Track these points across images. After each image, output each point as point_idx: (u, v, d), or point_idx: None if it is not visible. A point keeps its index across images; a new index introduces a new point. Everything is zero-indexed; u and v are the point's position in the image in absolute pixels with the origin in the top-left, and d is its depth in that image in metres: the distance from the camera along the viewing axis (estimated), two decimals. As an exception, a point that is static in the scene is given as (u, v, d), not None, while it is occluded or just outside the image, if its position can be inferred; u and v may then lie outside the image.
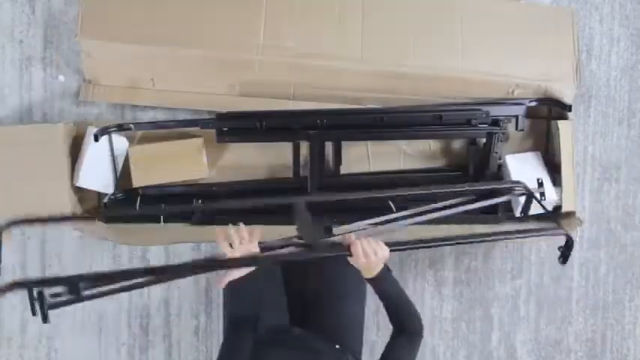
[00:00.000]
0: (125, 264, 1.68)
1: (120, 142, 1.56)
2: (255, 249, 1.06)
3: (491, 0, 1.63)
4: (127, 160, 1.57)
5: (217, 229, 1.05)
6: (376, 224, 1.33)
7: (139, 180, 1.53)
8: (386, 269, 1.16)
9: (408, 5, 1.58)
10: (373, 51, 1.55)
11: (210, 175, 1.59)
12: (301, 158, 1.57)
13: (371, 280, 1.16)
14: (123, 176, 1.57)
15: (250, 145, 1.59)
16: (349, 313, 1.38)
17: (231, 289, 1.07)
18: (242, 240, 1.05)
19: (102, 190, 1.54)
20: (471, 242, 1.26)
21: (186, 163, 1.55)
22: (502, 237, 1.28)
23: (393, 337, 1.18)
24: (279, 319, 1.36)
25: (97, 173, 1.52)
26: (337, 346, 1.23)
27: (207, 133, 1.54)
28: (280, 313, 1.38)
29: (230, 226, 1.06)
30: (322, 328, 1.33)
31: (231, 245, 1.04)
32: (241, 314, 1.10)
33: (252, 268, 1.05)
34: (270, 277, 1.39)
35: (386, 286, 1.17)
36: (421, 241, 1.13)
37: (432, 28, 1.58)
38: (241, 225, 1.07)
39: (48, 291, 0.93)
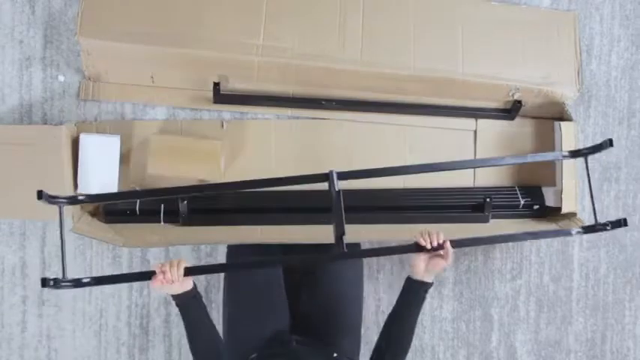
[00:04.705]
0: (125, 265, 1.68)
1: (110, 143, 1.56)
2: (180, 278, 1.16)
3: (492, 4, 1.63)
4: (126, 159, 1.58)
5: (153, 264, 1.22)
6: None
7: (154, 167, 1.54)
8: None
9: (409, 8, 1.58)
10: (373, 53, 1.54)
11: (223, 181, 1.58)
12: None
13: (422, 284, 1.20)
14: (122, 176, 1.57)
15: (272, 160, 1.62)
16: (347, 316, 1.38)
17: (179, 304, 1.22)
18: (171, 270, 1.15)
19: (102, 192, 1.54)
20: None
21: (203, 162, 1.55)
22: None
23: None
24: (280, 322, 1.36)
25: (94, 177, 1.52)
26: (335, 355, 1.24)
27: (228, 137, 1.58)
28: (281, 315, 1.38)
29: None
30: (320, 331, 1.33)
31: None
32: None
33: (189, 288, 1.20)
34: (273, 280, 1.40)
35: (424, 296, 1.22)
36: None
37: (433, 32, 1.58)
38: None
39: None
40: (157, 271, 1.15)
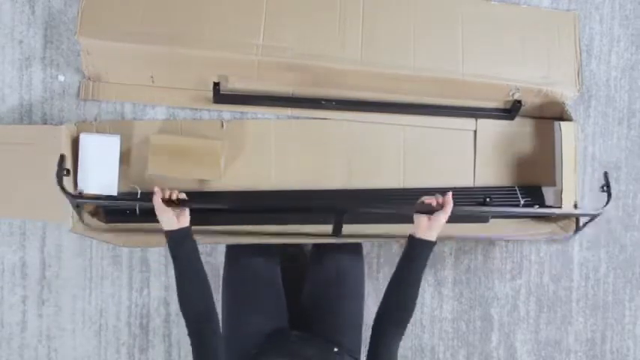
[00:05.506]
0: (125, 265, 1.68)
1: (110, 143, 1.56)
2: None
3: (492, 3, 1.63)
4: (126, 159, 1.58)
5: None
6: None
7: (154, 167, 1.54)
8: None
9: (409, 8, 1.58)
10: (373, 53, 1.54)
11: (223, 181, 1.59)
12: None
13: (427, 242, 1.18)
14: (122, 176, 1.57)
15: (272, 160, 1.62)
16: (348, 314, 1.38)
17: (171, 245, 1.21)
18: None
19: (102, 192, 1.54)
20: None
21: (203, 162, 1.55)
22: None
23: (384, 330, 1.16)
24: (279, 320, 1.36)
25: (94, 176, 1.52)
26: (335, 349, 1.23)
27: (228, 137, 1.58)
28: (280, 313, 1.38)
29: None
30: (321, 328, 1.33)
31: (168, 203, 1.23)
32: (194, 312, 1.17)
33: (185, 225, 1.22)
34: (271, 277, 1.40)
35: (428, 254, 1.19)
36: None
37: (433, 32, 1.58)
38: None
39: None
40: (156, 190, 1.22)
